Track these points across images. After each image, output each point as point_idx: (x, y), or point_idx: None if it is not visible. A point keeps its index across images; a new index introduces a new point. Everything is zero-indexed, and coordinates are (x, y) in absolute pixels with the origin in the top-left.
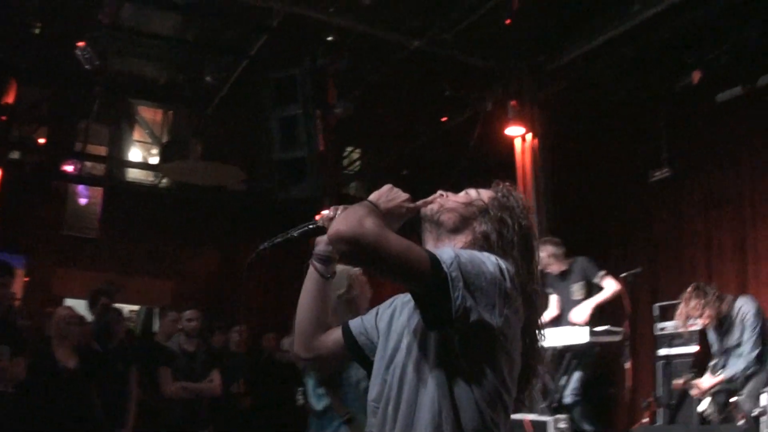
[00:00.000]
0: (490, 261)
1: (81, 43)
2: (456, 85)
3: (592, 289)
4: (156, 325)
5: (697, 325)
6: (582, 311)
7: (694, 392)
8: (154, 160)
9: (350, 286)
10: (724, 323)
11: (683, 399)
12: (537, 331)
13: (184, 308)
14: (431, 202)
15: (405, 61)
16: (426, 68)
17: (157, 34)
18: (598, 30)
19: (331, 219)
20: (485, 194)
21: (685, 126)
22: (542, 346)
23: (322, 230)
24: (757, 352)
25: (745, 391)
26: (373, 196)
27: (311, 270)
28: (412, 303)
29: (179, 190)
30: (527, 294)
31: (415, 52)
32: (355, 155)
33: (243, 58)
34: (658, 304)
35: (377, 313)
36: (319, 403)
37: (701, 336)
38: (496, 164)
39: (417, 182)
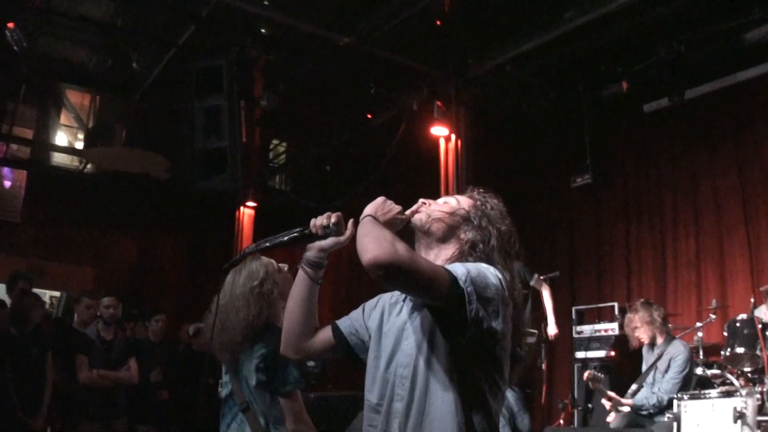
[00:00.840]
0: (490, 272)
1: (10, 25)
2: (383, 84)
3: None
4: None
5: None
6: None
7: (605, 402)
8: (80, 145)
9: (264, 279)
10: (654, 350)
11: (598, 402)
12: (521, 329)
13: (104, 295)
14: (417, 211)
15: (333, 57)
16: (354, 65)
17: (88, 18)
18: (528, 35)
19: (325, 227)
20: (465, 202)
21: (610, 134)
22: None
23: (312, 237)
24: (671, 396)
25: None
26: (370, 210)
27: (301, 274)
28: (410, 305)
29: (103, 176)
30: (513, 297)
31: (343, 48)
32: (281, 149)
33: (171, 47)
34: (575, 308)
35: (364, 312)
36: (223, 390)
37: (617, 341)
38: (420, 164)
39: (340, 178)
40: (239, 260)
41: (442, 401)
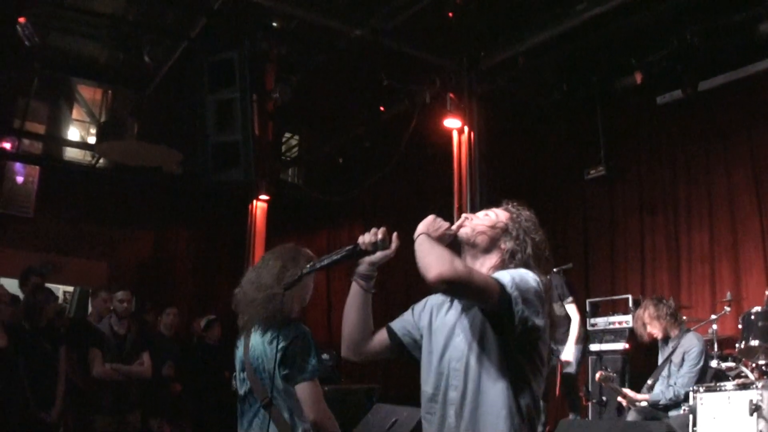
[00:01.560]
0: (530, 277)
1: (22, 19)
2: (395, 76)
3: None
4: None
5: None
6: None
7: (621, 400)
8: (93, 140)
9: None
10: (668, 343)
11: (613, 396)
12: (554, 328)
13: (118, 289)
14: (462, 226)
15: (345, 49)
16: (366, 58)
17: (99, 12)
18: (541, 27)
19: (373, 243)
20: (503, 215)
21: (624, 126)
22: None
23: (362, 253)
24: (687, 390)
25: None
26: (423, 228)
27: (355, 287)
28: (458, 306)
29: (116, 170)
30: (549, 296)
31: (355, 40)
32: (293, 142)
33: (183, 40)
34: (589, 300)
35: (413, 313)
36: (241, 387)
37: (630, 333)
38: (433, 156)
39: (353, 171)
40: (296, 282)
41: (494, 389)
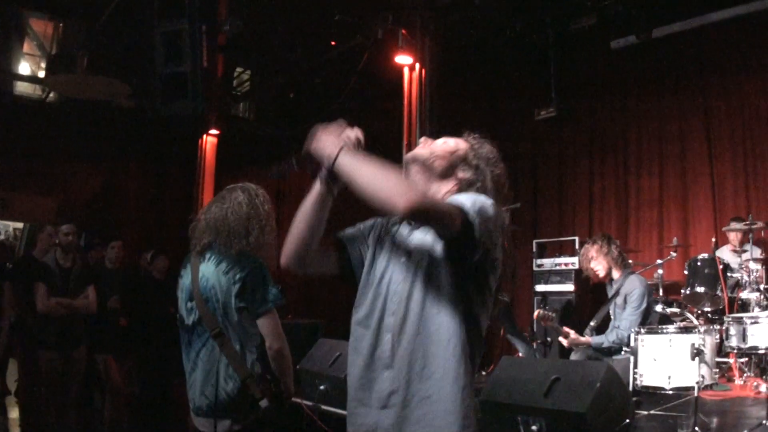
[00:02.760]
0: (490, 204)
1: None
2: (347, 11)
3: None
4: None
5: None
6: None
7: (562, 340)
8: (43, 74)
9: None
10: (612, 284)
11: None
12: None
13: (63, 223)
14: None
15: None
16: None
17: None
18: None
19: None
20: (462, 143)
21: (576, 69)
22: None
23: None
24: (630, 333)
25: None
26: (337, 142)
27: (319, 187)
28: (409, 229)
29: (65, 104)
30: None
31: None
32: (245, 77)
33: None
34: (536, 241)
35: (362, 227)
36: (188, 317)
37: (577, 275)
38: (384, 92)
39: (304, 106)
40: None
41: (438, 317)
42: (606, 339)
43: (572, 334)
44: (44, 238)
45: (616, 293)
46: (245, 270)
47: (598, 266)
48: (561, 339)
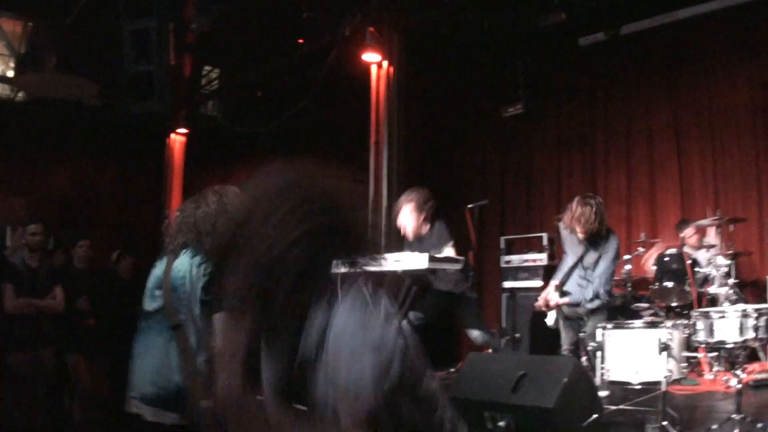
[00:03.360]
0: None
1: None
2: (315, 8)
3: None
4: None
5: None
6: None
7: (538, 305)
8: (12, 74)
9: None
10: (592, 244)
11: (526, 331)
12: None
13: (30, 223)
14: None
15: None
16: None
17: None
18: None
19: None
20: None
21: (544, 65)
22: None
23: None
24: (607, 288)
25: (588, 327)
26: None
27: None
28: None
29: (35, 104)
30: None
31: None
32: (214, 75)
33: None
34: (504, 237)
35: None
36: (150, 303)
37: (545, 271)
38: (352, 90)
39: (272, 104)
40: None
41: None
42: (583, 297)
43: (552, 295)
44: (16, 239)
45: (586, 251)
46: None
47: (579, 226)
48: (538, 303)
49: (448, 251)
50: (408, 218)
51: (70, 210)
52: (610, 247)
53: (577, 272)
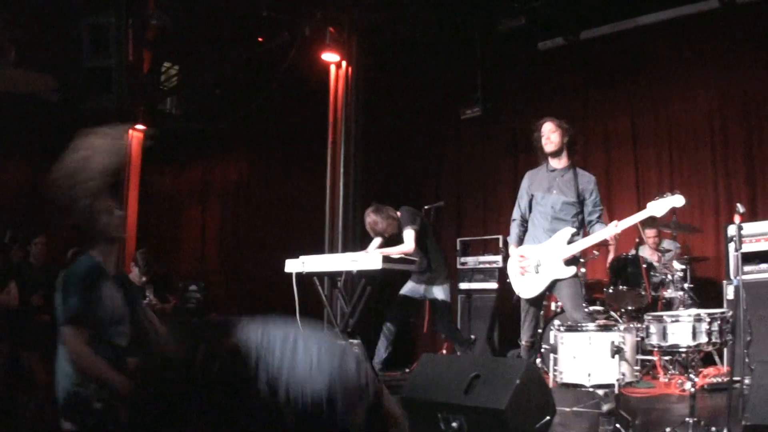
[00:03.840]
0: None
1: None
2: (275, 7)
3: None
4: None
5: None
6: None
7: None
8: None
9: None
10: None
11: (481, 333)
12: None
13: None
14: None
15: None
16: None
17: None
18: None
19: None
20: None
21: (503, 69)
22: None
23: None
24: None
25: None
26: None
27: None
28: None
29: None
30: None
31: None
32: (173, 71)
33: None
34: (460, 239)
35: None
36: None
37: (501, 273)
38: (310, 90)
39: (231, 102)
40: None
41: None
42: (601, 230)
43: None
44: None
45: (561, 176)
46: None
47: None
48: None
49: (407, 233)
50: (377, 228)
51: (26, 206)
52: (593, 184)
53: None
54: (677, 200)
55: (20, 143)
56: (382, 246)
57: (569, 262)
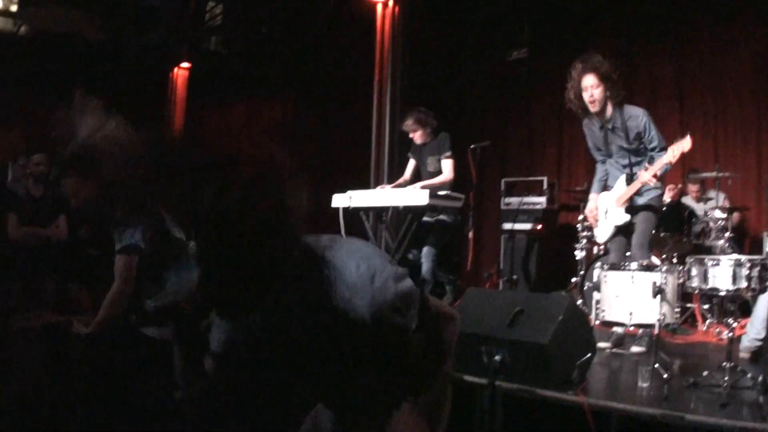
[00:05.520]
0: None
1: None
2: None
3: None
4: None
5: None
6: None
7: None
8: (16, 8)
9: None
10: (607, 121)
11: (523, 273)
12: None
13: (34, 153)
14: None
15: None
16: None
17: None
18: None
19: None
20: None
21: (550, 9)
22: None
23: None
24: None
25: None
26: None
27: None
28: None
29: (37, 38)
30: None
31: None
32: (218, 10)
33: None
34: (505, 180)
35: None
36: None
37: (544, 215)
38: (356, 29)
39: (275, 41)
40: None
41: None
42: (659, 161)
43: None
44: (17, 170)
45: (613, 128)
46: None
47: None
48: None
49: (445, 162)
50: (414, 127)
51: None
52: (643, 119)
53: (617, 157)
54: (685, 143)
55: (64, 81)
56: (414, 170)
57: (633, 208)
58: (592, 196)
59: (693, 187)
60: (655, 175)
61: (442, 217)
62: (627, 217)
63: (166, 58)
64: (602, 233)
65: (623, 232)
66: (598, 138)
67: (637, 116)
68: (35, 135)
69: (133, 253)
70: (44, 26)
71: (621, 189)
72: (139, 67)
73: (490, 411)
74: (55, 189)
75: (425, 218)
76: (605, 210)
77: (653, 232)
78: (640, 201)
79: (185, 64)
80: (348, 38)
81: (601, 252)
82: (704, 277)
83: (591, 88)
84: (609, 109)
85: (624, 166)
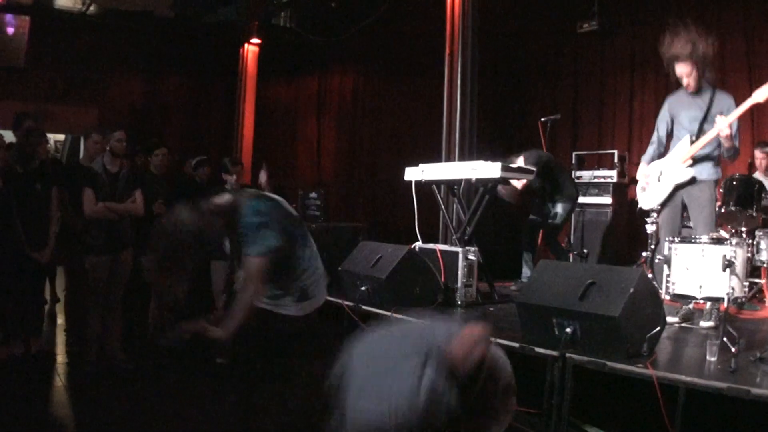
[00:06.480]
0: None
1: None
2: None
3: None
4: (82, 150)
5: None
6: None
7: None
8: None
9: None
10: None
11: (593, 247)
12: None
13: (110, 132)
14: None
15: None
16: None
17: None
18: None
19: None
20: None
21: None
22: None
23: None
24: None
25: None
26: None
27: None
28: None
29: (107, 16)
30: None
31: None
32: None
33: None
34: (576, 153)
35: None
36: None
37: (615, 188)
38: (426, 1)
39: (346, 15)
40: None
41: None
42: (739, 107)
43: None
44: (91, 146)
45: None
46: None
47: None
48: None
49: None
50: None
51: (143, 120)
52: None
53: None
54: (762, 93)
55: (135, 58)
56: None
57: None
58: (642, 166)
59: (759, 155)
60: (729, 134)
61: None
62: (690, 173)
63: (236, 34)
64: (651, 197)
65: (673, 206)
66: (681, 104)
67: (728, 104)
68: (106, 113)
69: (269, 255)
70: (114, 4)
71: (685, 147)
72: (210, 43)
73: (561, 382)
74: (133, 165)
75: None
76: (659, 173)
77: (716, 207)
78: (700, 176)
79: (255, 40)
80: (418, 11)
81: None
82: None
83: (685, 75)
84: (703, 88)
85: (692, 127)
